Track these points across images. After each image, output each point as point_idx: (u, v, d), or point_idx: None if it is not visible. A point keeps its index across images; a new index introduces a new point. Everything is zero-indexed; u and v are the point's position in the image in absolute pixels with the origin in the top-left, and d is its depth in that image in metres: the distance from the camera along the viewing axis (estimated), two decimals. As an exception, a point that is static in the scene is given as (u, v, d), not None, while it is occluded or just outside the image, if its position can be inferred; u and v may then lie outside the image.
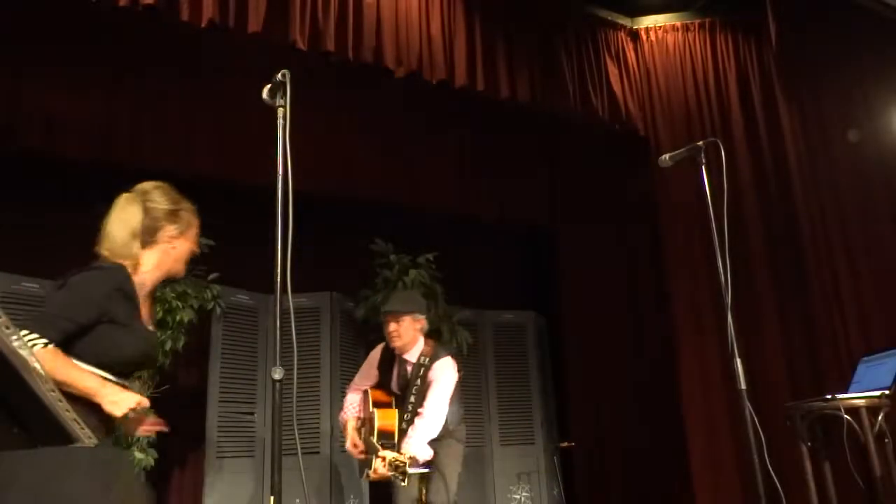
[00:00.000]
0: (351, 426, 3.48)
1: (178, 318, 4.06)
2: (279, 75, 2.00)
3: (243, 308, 4.80)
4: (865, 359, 3.91)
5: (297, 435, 1.96)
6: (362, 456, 3.34)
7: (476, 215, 5.59)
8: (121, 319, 1.91)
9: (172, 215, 2.08)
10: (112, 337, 1.90)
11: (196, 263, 4.27)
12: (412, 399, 3.32)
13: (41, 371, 1.08)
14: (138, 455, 3.89)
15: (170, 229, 2.07)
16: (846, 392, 3.63)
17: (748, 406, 2.53)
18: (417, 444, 3.13)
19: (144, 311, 2.04)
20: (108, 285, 1.91)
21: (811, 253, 4.60)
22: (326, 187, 4.65)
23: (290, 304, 1.88)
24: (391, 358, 3.48)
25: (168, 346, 4.05)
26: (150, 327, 2.09)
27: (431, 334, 3.70)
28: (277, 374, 1.83)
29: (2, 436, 1.18)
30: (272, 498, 1.76)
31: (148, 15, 3.44)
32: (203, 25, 3.49)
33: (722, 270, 2.68)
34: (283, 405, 1.87)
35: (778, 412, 3.81)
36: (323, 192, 4.62)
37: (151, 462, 3.95)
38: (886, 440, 3.42)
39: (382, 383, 3.50)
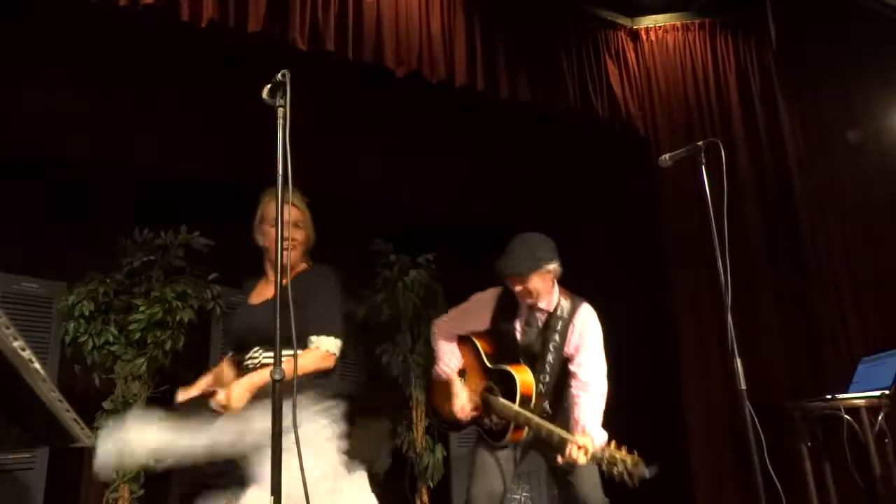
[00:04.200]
0: (459, 384, 2.85)
1: (178, 318, 4.06)
2: (279, 75, 1.99)
3: (243, 308, 4.78)
4: (865, 359, 3.91)
5: (297, 435, 1.96)
6: (473, 415, 2.79)
7: (476, 215, 5.59)
8: None
9: None
10: None
11: (196, 263, 4.28)
12: (550, 358, 2.80)
13: (41, 371, 1.08)
14: (138, 455, 3.88)
15: None
16: (846, 392, 3.64)
17: (748, 406, 2.53)
18: (596, 427, 2.64)
19: None
20: None
21: (811, 253, 4.60)
22: (326, 187, 4.64)
23: (290, 303, 1.88)
24: (515, 302, 2.87)
25: (168, 346, 4.05)
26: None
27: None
28: (277, 374, 1.83)
29: (2, 436, 1.18)
30: (272, 498, 1.76)
31: (148, 15, 3.44)
32: (203, 25, 3.48)
33: (722, 270, 2.68)
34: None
35: (778, 412, 3.81)
36: (323, 192, 4.61)
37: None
38: (886, 440, 3.43)
39: (496, 332, 2.91)
